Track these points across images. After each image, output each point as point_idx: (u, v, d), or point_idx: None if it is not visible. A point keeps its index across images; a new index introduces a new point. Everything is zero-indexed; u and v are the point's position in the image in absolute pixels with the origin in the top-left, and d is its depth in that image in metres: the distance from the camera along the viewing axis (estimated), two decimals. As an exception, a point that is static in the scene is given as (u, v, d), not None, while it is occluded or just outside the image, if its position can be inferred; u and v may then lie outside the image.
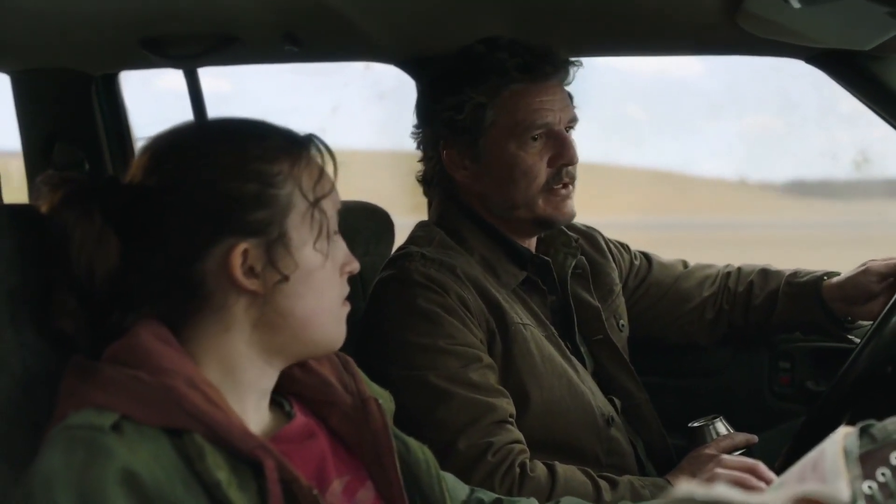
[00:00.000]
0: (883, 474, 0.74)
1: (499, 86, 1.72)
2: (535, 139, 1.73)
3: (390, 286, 1.70)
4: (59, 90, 2.63)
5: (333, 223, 1.16)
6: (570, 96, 1.80)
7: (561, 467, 1.59)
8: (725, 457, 1.63)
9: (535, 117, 1.72)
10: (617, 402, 1.85)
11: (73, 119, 2.67)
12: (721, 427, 1.77)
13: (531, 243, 1.85)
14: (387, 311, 1.67)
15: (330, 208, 1.15)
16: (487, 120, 1.73)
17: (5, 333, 1.08)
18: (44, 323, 1.09)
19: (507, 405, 1.61)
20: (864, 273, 1.92)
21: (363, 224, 2.09)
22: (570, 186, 1.77)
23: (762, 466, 1.55)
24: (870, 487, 0.73)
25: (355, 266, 1.19)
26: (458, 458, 1.53)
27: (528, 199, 1.74)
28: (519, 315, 1.71)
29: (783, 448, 1.80)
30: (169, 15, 1.98)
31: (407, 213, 2.30)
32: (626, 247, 2.13)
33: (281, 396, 1.19)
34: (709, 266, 2.16)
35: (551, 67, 1.74)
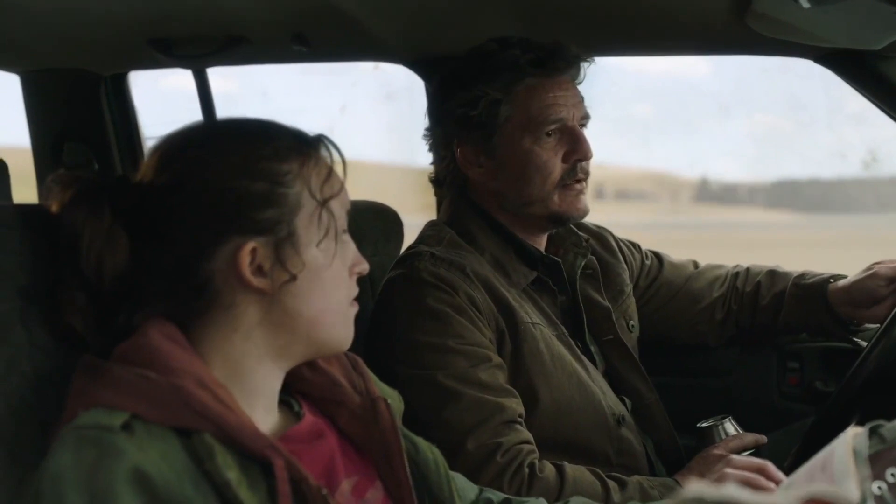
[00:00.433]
0: (892, 475, 0.74)
1: (513, 81, 1.73)
2: (549, 135, 1.73)
3: (399, 285, 1.70)
4: (69, 90, 2.64)
5: (342, 223, 1.16)
6: (581, 95, 1.80)
7: (570, 467, 1.58)
8: (735, 457, 1.63)
9: (549, 112, 1.72)
10: (628, 401, 1.85)
11: (82, 119, 2.68)
12: (730, 427, 1.77)
13: (541, 243, 1.85)
14: (395, 311, 1.67)
15: (339, 208, 1.15)
16: (502, 116, 1.73)
17: (15, 333, 1.09)
18: (54, 322, 1.10)
19: (516, 405, 1.61)
20: (872, 277, 1.91)
21: (372, 223, 2.09)
22: (584, 182, 1.77)
23: (771, 467, 1.54)
24: (879, 488, 0.73)
25: (364, 267, 1.19)
26: (466, 459, 1.53)
27: (544, 195, 1.74)
28: (529, 314, 1.71)
29: (792, 448, 1.79)
30: (178, 15, 1.98)
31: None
32: (637, 246, 2.13)
33: (289, 396, 1.19)
34: (719, 266, 2.16)
35: (564, 62, 1.75)
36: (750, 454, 1.69)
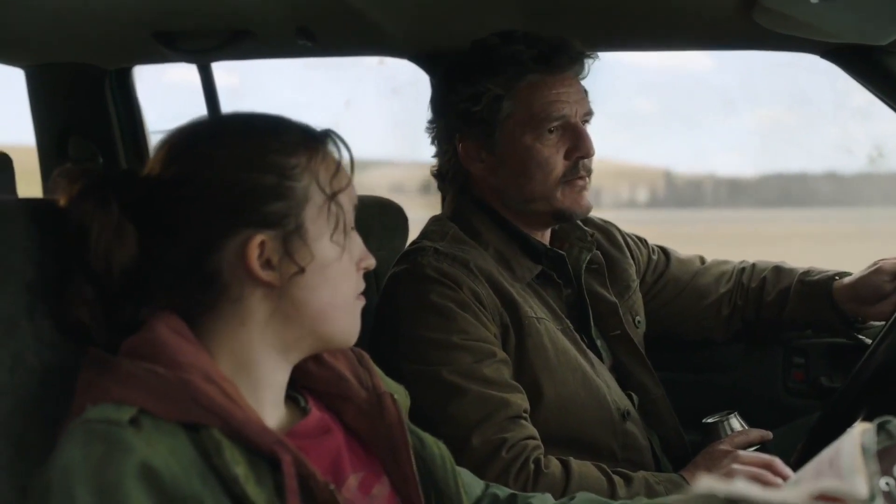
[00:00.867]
0: (901, 471, 0.74)
1: (515, 77, 1.72)
2: (551, 131, 1.73)
3: (403, 281, 1.69)
4: (73, 84, 2.64)
5: (350, 218, 1.16)
6: (584, 91, 1.80)
7: (575, 463, 1.58)
8: (742, 453, 1.63)
9: (551, 109, 1.72)
10: (635, 397, 1.85)
11: (86, 113, 2.68)
12: (735, 423, 1.77)
13: (545, 237, 1.85)
14: (399, 306, 1.67)
15: (346, 202, 1.15)
16: (504, 111, 1.73)
17: (22, 327, 1.09)
18: (61, 317, 1.10)
19: (521, 400, 1.61)
20: (877, 272, 1.91)
21: (376, 218, 2.09)
22: (587, 179, 1.77)
23: (779, 462, 1.54)
24: (887, 484, 0.73)
25: (371, 262, 1.19)
26: (472, 455, 1.53)
27: (546, 192, 1.74)
28: (533, 309, 1.71)
29: (797, 444, 1.79)
30: (182, 9, 1.98)
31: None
32: (644, 241, 2.12)
33: (296, 391, 1.19)
34: (725, 262, 2.15)
35: (567, 59, 1.74)
36: (756, 450, 1.69)
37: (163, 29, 2.15)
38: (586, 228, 1.91)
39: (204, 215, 1.07)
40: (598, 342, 1.86)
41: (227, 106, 2.70)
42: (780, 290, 2.04)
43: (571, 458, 1.59)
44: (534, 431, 1.60)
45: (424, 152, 1.91)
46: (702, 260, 2.16)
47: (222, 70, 2.66)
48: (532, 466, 1.55)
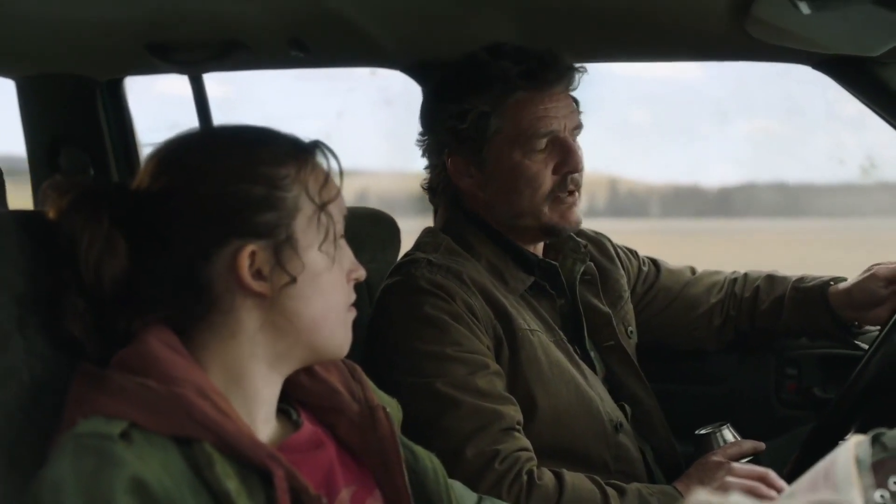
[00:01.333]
0: (895, 483, 0.74)
1: (503, 94, 1.71)
2: (539, 147, 1.72)
3: (396, 293, 1.69)
4: (65, 95, 2.63)
5: (340, 228, 1.16)
6: (575, 101, 1.79)
7: (569, 475, 1.58)
8: (735, 464, 1.63)
9: (539, 125, 1.71)
10: (627, 408, 1.85)
11: (78, 124, 2.67)
12: (728, 434, 1.76)
13: (538, 249, 1.84)
14: (393, 318, 1.67)
15: (336, 213, 1.15)
16: (491, 128, 1.72)
17: (13, 340, 1.08)
18: (52, 330, 1.09)
19: (514, 412, 1.61)
20: (871, 278, 1.91)
21: (369, 230, 2.09)
22: (576, 194, 1.76)
23: (773, 475, 1.54)
24: (882, 496, 0.73)
25: (361, 273, 1.19)
26: (465, 466, 1.52)
27: (534, 207, 1.74)
28: (527, 321, 1.71)
29: (790, 455, 1.79)
30: (175, 20, 1.98)
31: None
32: (634, 253, 2.12)
33: (288, 405, 1.19)
34: (716, 272, 2.15)
35: (555, 74, 1.73)
36: (748, 461, 1.69)
37: (155, 40, 2.14)
38: (579, 240, 1.90)
39: (194, 227, 1.07)
40: (592, 353, 1.86)
41: (219, 116, 2.70)
42: (774, 298, 2.04)
43: (564, 470, 1.59)
44: (527, 443, 1.60)
45: (417, 163, 1.91)
46: (692, 271, 2.16)
47: (214, 81, 2.65)
48: (525, 478, 1.54)
